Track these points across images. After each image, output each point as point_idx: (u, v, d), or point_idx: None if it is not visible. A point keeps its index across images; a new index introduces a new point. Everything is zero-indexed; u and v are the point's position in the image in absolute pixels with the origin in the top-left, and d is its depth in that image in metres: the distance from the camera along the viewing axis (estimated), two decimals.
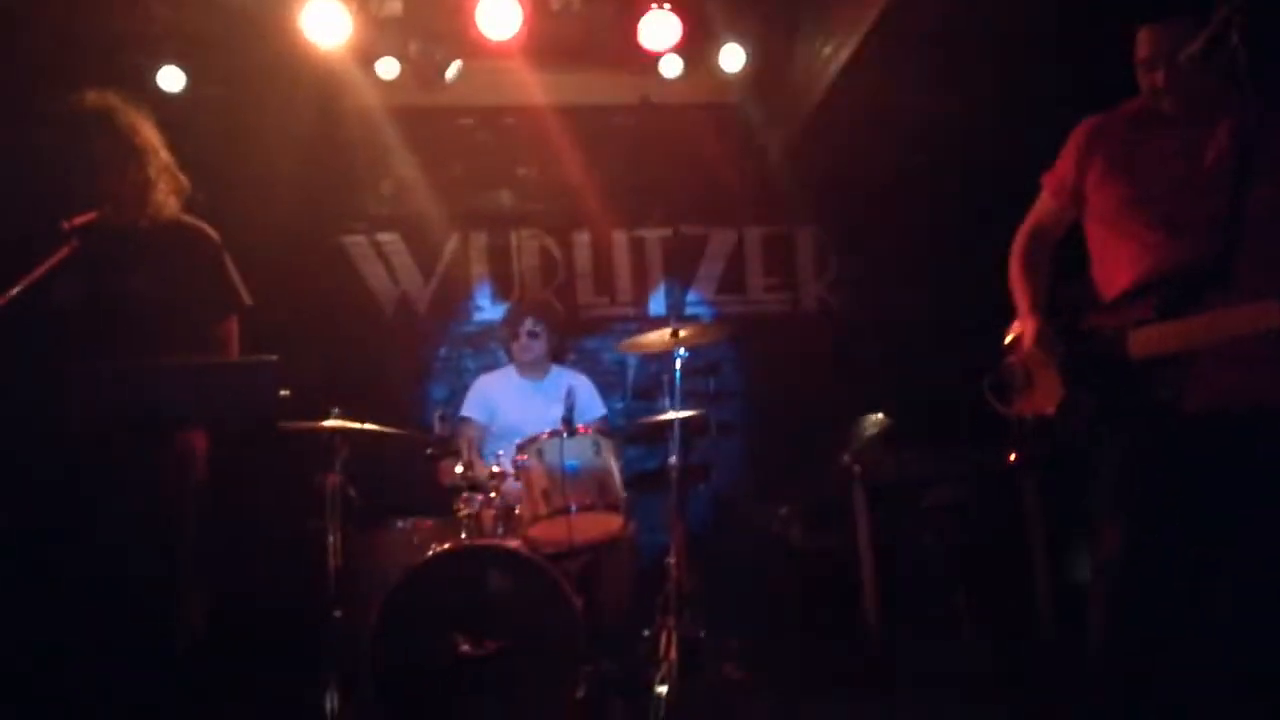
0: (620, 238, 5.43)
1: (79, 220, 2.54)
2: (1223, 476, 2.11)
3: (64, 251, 2.45)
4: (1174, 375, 2.11)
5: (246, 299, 2.80)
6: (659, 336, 3.86)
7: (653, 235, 5.45)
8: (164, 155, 2.72)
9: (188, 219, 2.77)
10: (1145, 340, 2.16)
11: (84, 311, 2.55)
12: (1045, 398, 2.32)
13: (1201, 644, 2.15)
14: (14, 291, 2.30)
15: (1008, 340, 2.51)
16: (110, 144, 2.62)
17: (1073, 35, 3.78)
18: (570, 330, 5.05)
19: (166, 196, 2.69)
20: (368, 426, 3.44)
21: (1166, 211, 2.24)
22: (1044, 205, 2.55)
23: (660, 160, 5.33)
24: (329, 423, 3.39)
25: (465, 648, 3.11)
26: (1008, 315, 2.53)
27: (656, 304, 5.40)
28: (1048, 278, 2.50)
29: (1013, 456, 2.62)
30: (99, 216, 2.58)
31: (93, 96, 2.65)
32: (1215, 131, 2.23)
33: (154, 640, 2.53)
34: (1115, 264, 2.33)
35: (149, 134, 2.70)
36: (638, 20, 4.60)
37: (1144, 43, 2.28)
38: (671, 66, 4.78)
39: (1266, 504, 2.09)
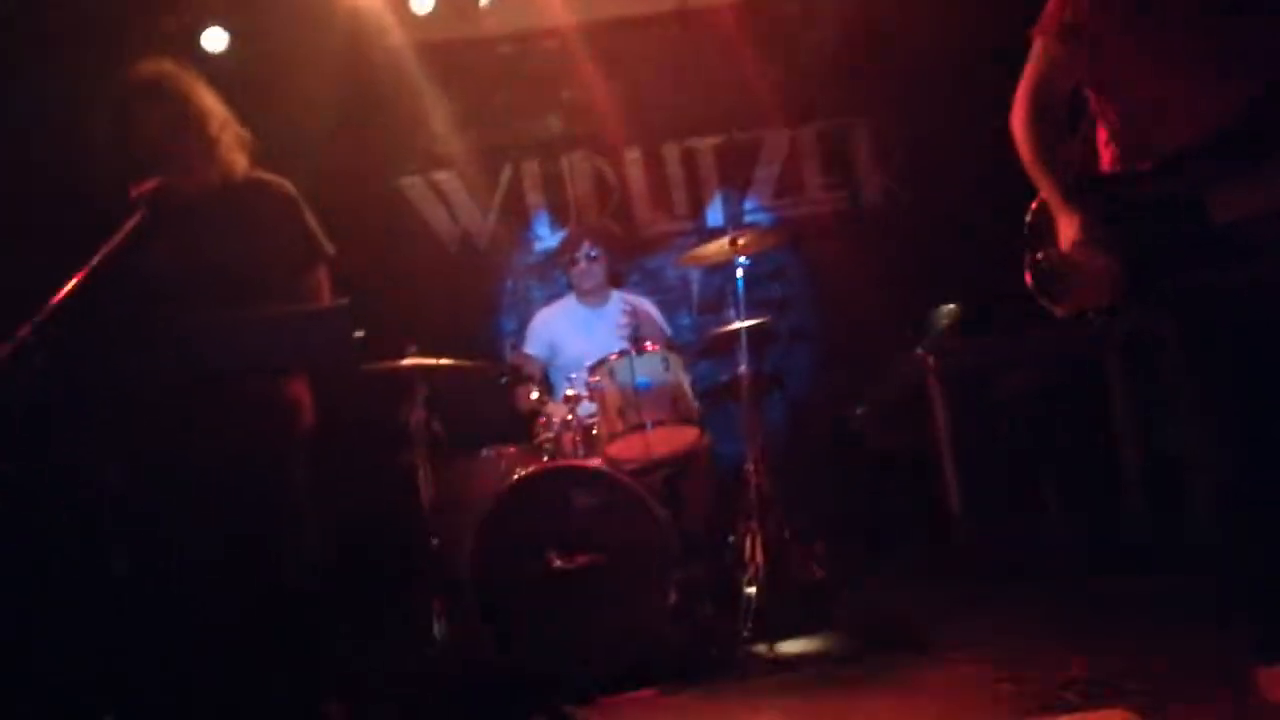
0: (671, 151, 5.37)
1: (145, 187, 2.61)
2: None
3: (135, 220, 2.51)
4: (1271, 235, 1.91)
5: (330, 248, 2.85)
6: (718, 247, 3.84)
7: (704, 144, 5.37)
8: (223, 114, 2.74)
9: (261, 174, 2.79)
10: (1231, 202, 1.94)
11: (173, 277, 2.60)
12: (1101, 285, 2.08)
13: None
14: (93, 262, 2.38)
15: (1030, 223, 2.28)
16: (168, 111, 2.63)
17: None
18: (630, 251, 5.06)
19: (234, 154, 2.71)
20: (443, 361, 3.53)
21: (1211, 48, 2.02)
22: (1050, 56, 2.22)
23: (704, 67, 5.21)
24: (407, 361, 3.49)
25: (558, 563, 3.22)
26: None
27: (714, 215, 5.35)
28: (1066, 150, 2.24)
29: (1091, 335, 2.53)
30: (164, 183, 2.64)
31: (144, 66, 2.68)
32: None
33: (269, 580, 2.65)
34: (1148, 116, 2.09)
35: (205, 96, 2.71)
36: None
37: None
38: None
39: None
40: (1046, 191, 2.21)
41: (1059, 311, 2.23)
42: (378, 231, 4.99)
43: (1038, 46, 2.24)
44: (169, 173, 2.64)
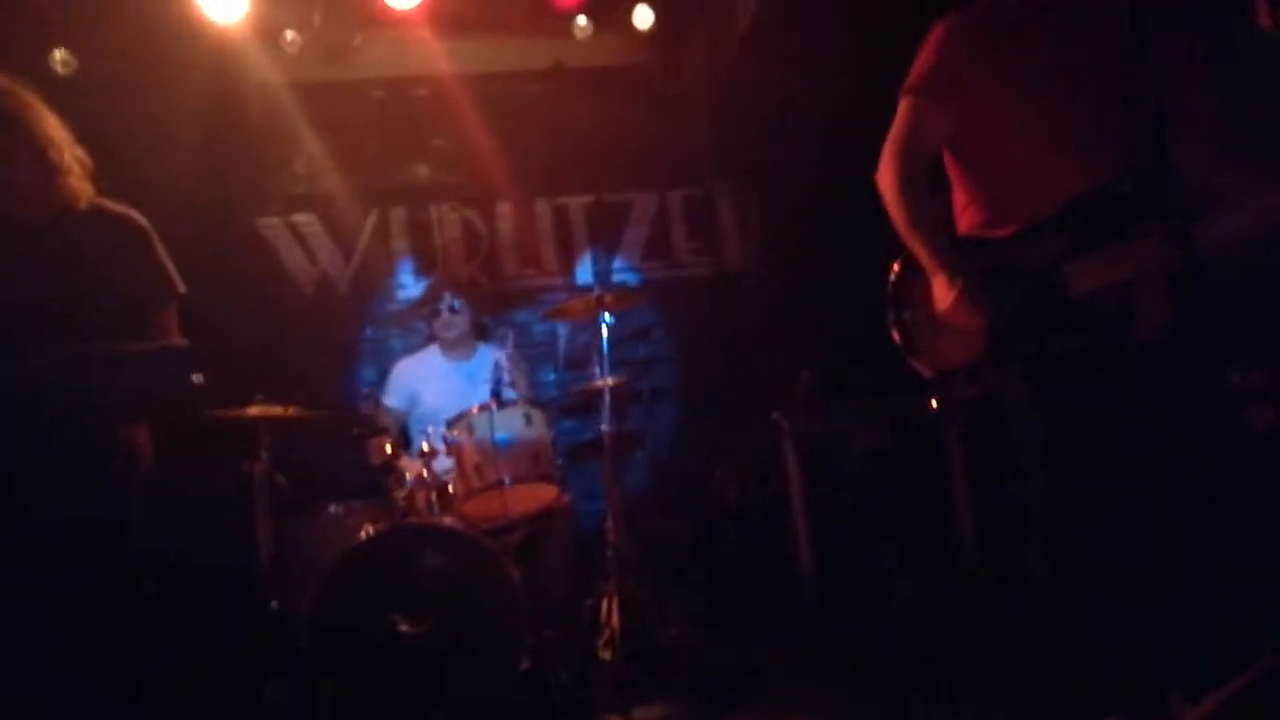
0: (543, 206, 5.38)
1: None
2: (1149, 406, 2.06)
3: None
4: (1118, 307, 2.01)
5: (180, 285, 2.70)
6: (585, 303, 3.86)
7: (575, 202, 5.41)
8: (64, 138, 2.57)
9: (111, 205, 2.63)
10: (1084, 273, 2.02)
11: (7, 308, 2.40)
12: (965, 345, 2.16)
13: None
14: None
15: (892, 285, 2.31)
16: (6, 134, 2.46)
17: None
18: (497, 304, 5.01)
19: (75, 181, 2.53)
20: (291, 410, 3.37)
21: (1069, 125, 2.10)
22: (918, 115, 2.23)
23: (578, 125, 5.28)
24: (251, 409, 3.32)
25: (404, 627, 3.09)
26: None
27: (583, 273, 5.37)
28: (939, 211, 2.27)
29: (934, 403, 2.63)
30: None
31: None
32: (1102, 42, 2.11)
33: (102, 635, 2.46)
34: (1011, 183, 2.17)
35: (44, 117, 2.54)
36: None
37: None
38: (583, 28, 4.72)
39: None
40: (920, 251, 2.20)
41: (925, 371, 2.28)
42: (232, 272, 4.77)
43: (905, 105, 2.26)
44: (6, 196, 2.47)
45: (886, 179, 2.27)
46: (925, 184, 2.25)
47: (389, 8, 4.39)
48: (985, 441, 3.90)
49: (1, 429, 2.37)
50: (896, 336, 2.32)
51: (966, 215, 2.30)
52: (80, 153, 2.60)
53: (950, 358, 2.23)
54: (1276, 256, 2.06)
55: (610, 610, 3.49)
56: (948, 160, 2.34)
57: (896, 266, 2.33)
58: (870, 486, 4.19)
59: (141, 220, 2.67)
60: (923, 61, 2.25)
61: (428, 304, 4.32)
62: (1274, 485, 2.10)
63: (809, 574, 3.99)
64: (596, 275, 5.28)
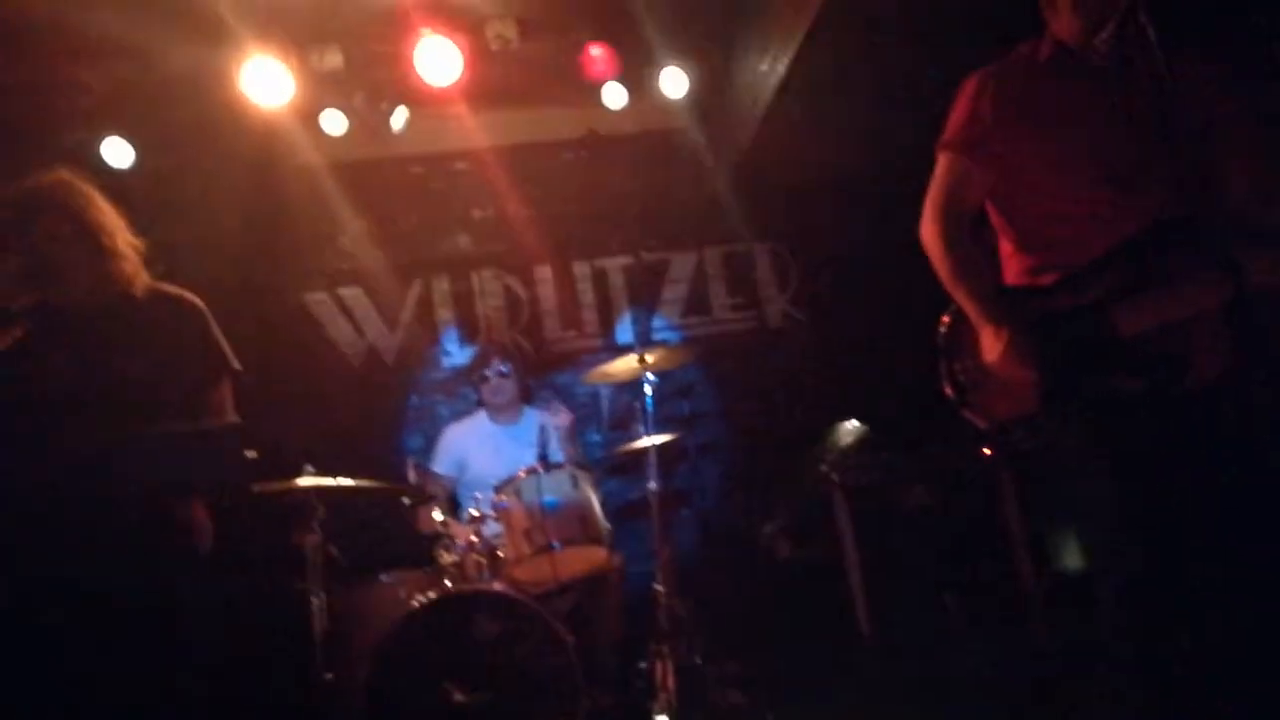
0: (582, 269, 5.45)
1: (25, 300, 2.51)
2: (1219, 452, 2.01)
3: (15, 333, 2.41)
4: (1173, 348, 1.97)
5: (235, 363, 2.78)
6: (626, 364, 3.87)
7: (614, 264, 5.48)
8: (118, 226, 2.67)
9: (168, 288, 2.73)
10: (1134, 314, 2.00)
11: (70, 390, 2.49)
12: (1018, 396, 2.12)
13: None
14: None
15: (943, 337, 2.30)
16: (60, 222, 2.57)
17: (1017, 22, 3.83)
18: (540, 368, 5.05)
19: (130, 267, 2.64)
20: (341, 482, 3.41)
21: (1111, 166, 2.09)
22: (957, 171, 2.24)
23: (614, 189, 5.38)
24: (302, 481, 3.36)
25: (459, 696, 3.07)
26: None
27: (623, 333, 5.41)
28: (985, 263, 2.25)
29: (987, 451, 2.58)
30: (54, 296, 2.55)
31: (37, 177, 2.62)
32: (1136, 83, 2.09)
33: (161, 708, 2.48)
34: (1055, 229, 2.16)
35: (100, 207, 2.66)
36: (577, 55, 4.66)
37: None
38: (615, 97, 4.83)
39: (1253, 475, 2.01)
40: (968, 304, 2.19)
41: (979, 423, 2.24)
42: (281, 347, 4.89)
43: (944, 161, 2.27)
44: (63, 283, 2.57)
45: (930, 234, 2.27)
46: (969, 236, 2.25)
47: (427, 85, 4.51)
48: (1043, 491, 3.81)
49: (65, 509, 2.44)
50: (949, 389, 2.29)
51: (1012, 264, 2.29)
52: (134, 238, 2.70)
53: (1004, 408, 2.20)
54: None
55: (665, 673, 3.43)
56: (991, 210, 2.33)
57: (946, 318, 2.32)
58: (926, 539, 4.10)
59: (196, 301, 2.75)
60: (956, 117, 2.27)
61: (475, 370, 4.36)
62: None
63: (867, 632, 3.89)
64: (637, 335, 5.32)
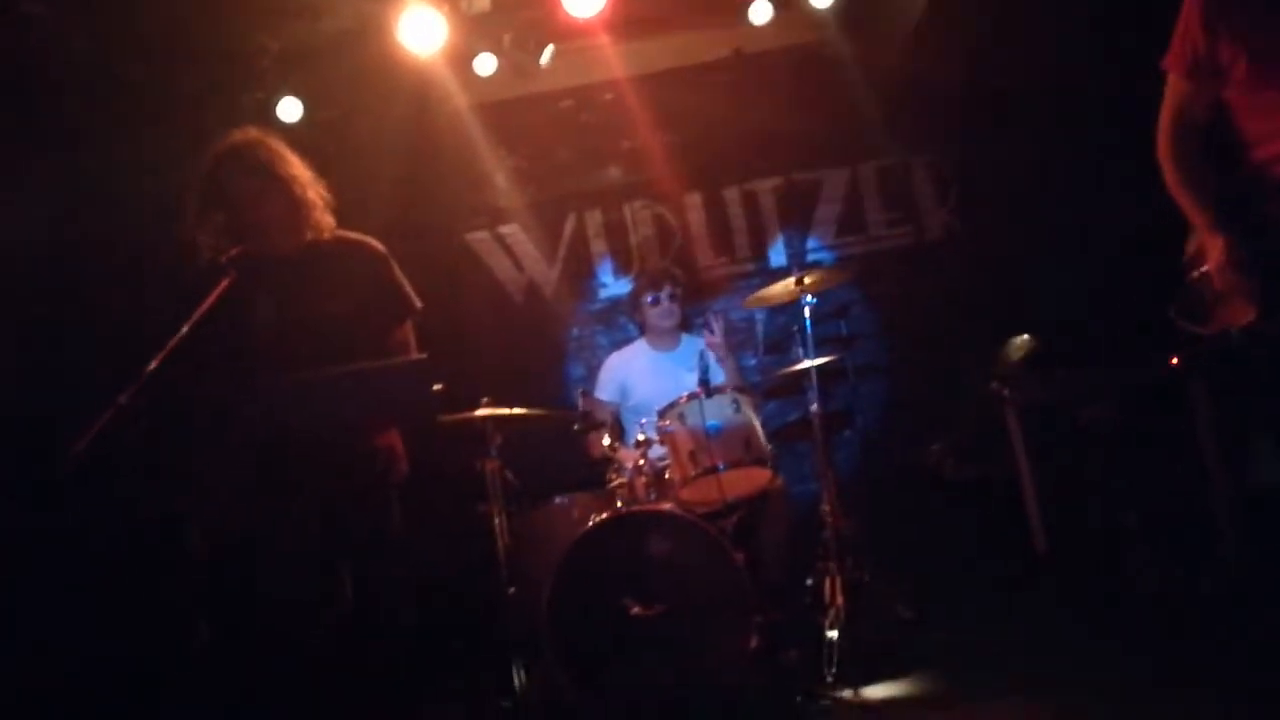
0: (732, 194, 5.42)
1: (232, 252, 2.74)
2: None
3: (224, 284, 2.63)
4: None
5: (417, 302, 2.95)
6: (783, 287, 3.85)
7: (764, 186, 5.41)
8: (308, 177, 2.84)
9: (353, 234, 2.91)
10: None
11: (276, 333, 2.71)
12: (1241, 307, 2.18)
13: None
14: (184, 329, 2.49)
15: (1189, 254, 2.33)
16: (256, 176, 2.75)
17: None
18: (694, 295, 5.09)
19: (321, 215, 2.81)
20: (516, 411, 3.58)
21: None
22: (1179, 91, 2.33)
23: (762, 110, 5.26)
24: (481, 411, 3.54)
25: (636, 610, 3.21)
26: (1147, 223, 2.39)
27: (777, 256, 5.37)
28: (1211, 174, 2.29)
29: (1175, 362, 2.52)
30: (251, 248, 2.76)
31: (231, 135, 2.81)
32: None
33: (369, 626, 2.72)
34: (1274, 136, 2.15)
35: (290, 160, 2.82)
36: None
37: None
38: (760, 12, 4.71)
39: None
40: (1195, 217, 2.28)
41: (1202, 331, 2.31)
42: (447, 286, 5.11)
43: (1169, 83, 2.34)
44: (260, 236, 2.77)
45: (1161, 149, 2.36)
46: (1198, 150, 2.31)
47: (572, 19, 4.54)
48: (1243, 403, 3.58)
49: (276, 444, 2.68)
50: (1176, 304, 2.35)
51: (1246, 158, 2.27)
52: (322, 189, 2.88)
53: (1232, 316, 2.23)
54: None
55: (834, 590, 3.48)
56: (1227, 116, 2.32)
57: (1191, 240, 2.36)
58: (1105, 456, 3.95)
59: (379, 246, 2.92)
60: (1177, 36, 2.29)
61: (642, 294, 4.40)
62: None
63: (1042, 549, 3.80)
64: (790, 257, 5.27)
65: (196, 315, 2.54)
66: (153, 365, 2.40)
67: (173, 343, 2.45)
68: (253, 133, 2.84)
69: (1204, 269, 2.24)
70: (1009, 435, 3.92)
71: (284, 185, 2.78)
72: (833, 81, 5.20)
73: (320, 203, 2.84)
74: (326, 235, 2.84)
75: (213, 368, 2.71)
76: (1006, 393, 3.93)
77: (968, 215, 5.28)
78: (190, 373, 2.58)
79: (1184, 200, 2.30)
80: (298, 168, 2.84)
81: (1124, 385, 3.91)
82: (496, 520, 3.51)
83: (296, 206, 2.78)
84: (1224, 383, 3.55)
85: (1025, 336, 4.12)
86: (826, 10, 4.76)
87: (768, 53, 5.21)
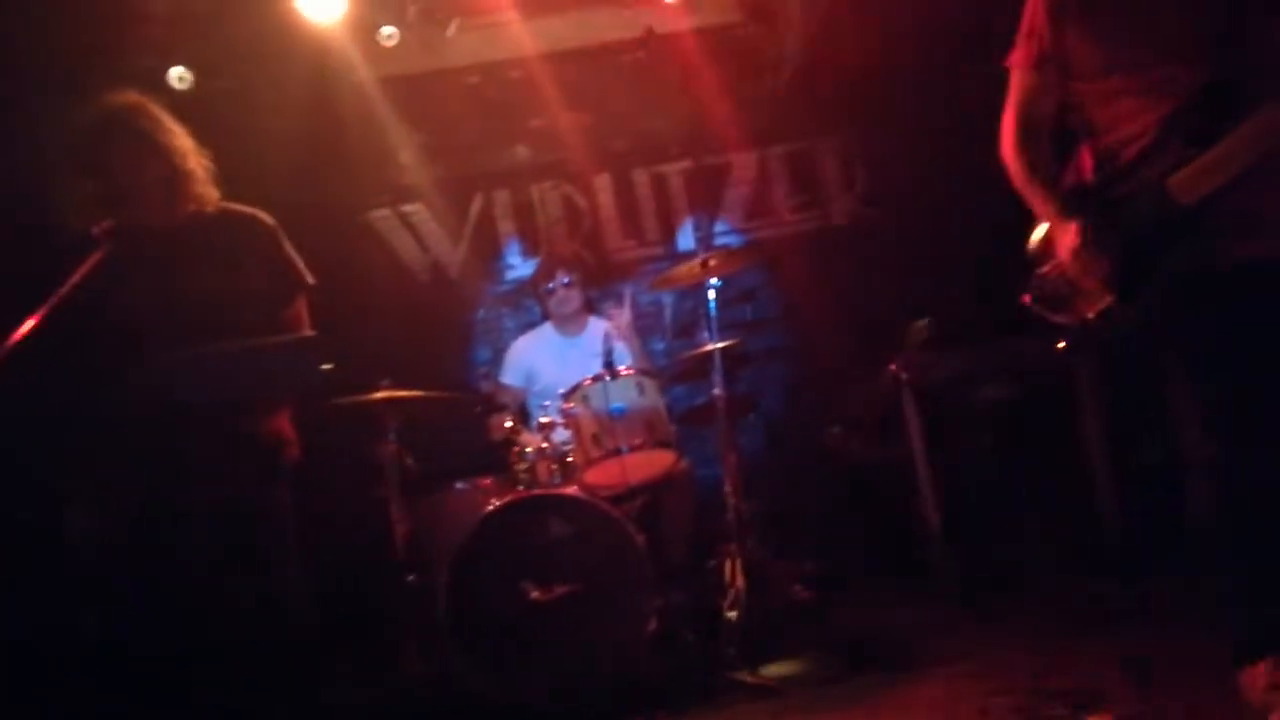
0: (641, 176, 5.38)
1: (106, 225, 2.59)
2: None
3: (96, 257, 2.49)
4: (1234, 213, 1.96)
5: (308, 278, 2.84)
6: (689, 270, 3.85)
7: (673, 169, 5.39)
8: (191, 147, 2.71)
9: (237, 207, 2.78)
10: (1189, 181, 1.98)
11: (153, 310, 2.59)
12: (1099, 293, 2.15)
13: None
14: (51, 301, 2.35)
15: (1034, 246, 2.34)
16: (135, 144, 2.62)
17: None
18: (601, 277, 5.05)
19: (203, 187, 2.69)
20: (415, 393, 3.50)
21: (1161, 43, 2.08)
22: (1025, 85, 2.32)
23: (672, 92, 5.23)
24: (378, 394, 3.46)
25: (535, 594, 3.19)
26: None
27: (685, 239, 5.36)
28: (1055, 165, 2.30)
29: (1061, 345, 2.56)
30: (127, 220, 2.62)
31: (111, 99, 2.67)
32: None
33: (258, 624, 2.62)
34: (1117, 116, 2.15)
35: (172, 128, 2.69)
36: None
37: None
38: None
39: None
40: (1041, 207, 2.27)
41: (1061, 321, 2.30)
42: (348, 265, 4.94)
43: (1013, 78, 2.33)
44: (136, 206, 2.63)
45: (1005, 147, 2.35)
46: (1044, 145, 2.31)
47: None
48: (1120, 383, 3.72)
49: (153, 426, 2.55)
50: (1028, 298, 2.34)
51: (1086, 163, 2.28)
52: (205, 159, 2.75)
53: (1089, 304, 2.21)
54: None
55: (734, 571, 3.50)
56: (1070, 116, 2.33)
57: (1035, 232, 2.36)
58: (998, 436, 4.07)
59: (268, 219, 2.80)
60: (1021, 33, 2.30)
61: (539, 282, 4.38)
62: None
63: (935, 530, 3.90)
64: (699, 240, 5.25)
65: (64, 290, 2.40)
66: (14, 339, 2.25)
67: (35, 316, 2.30)
68: (132, 96, 2.69)
69: (1055, 260, 2.24)
70: (906, 417, 3.99)
71: (164, 153, 2.65)
72: (742, 64, 5.20)
73: (203, 174, 2.72)
74: (209, 208, 2.72)
75: (86, 345, 2.57)
76: (904, 375, 4.01)
77: (872, 201, 5.36)
78: (59, 350, 2.44)
79: (1032, 193, 2.29)
80: (180, 136, 2.71)
81: (1018, 366, 4.03)
82: (394, 505, 3.44)
83: (176, 176, 2.65)
84: (1105, 366, 3.71)
85: (925, 319, 4.20)
86: None
87: (678, 34, 5.16)
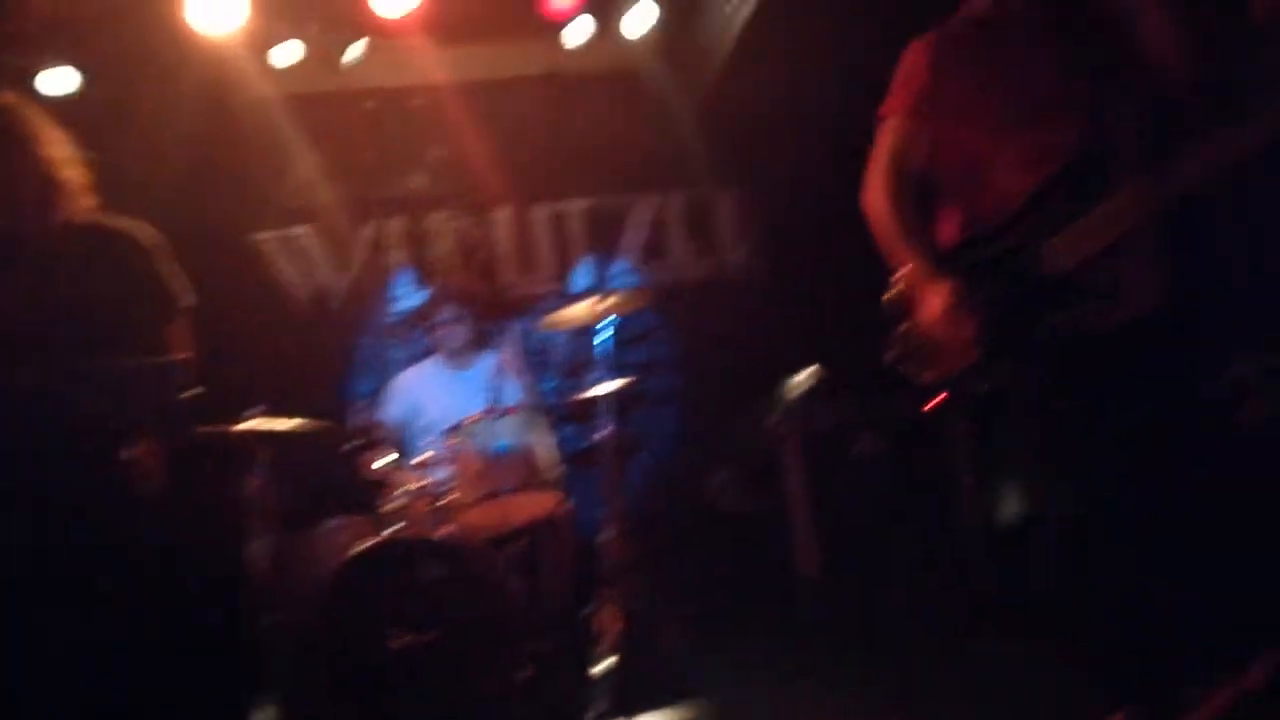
0: (540, 213, 5.36)
1: None
2: (1150, 390, 2.04)
3: None
4: (1105, 279, 2.00)
5: (185, 299, 2.68)
6: (584, 309, 3.82)
7: (573, 208, 5.38)
8: (66, 154, 2.57)
9: (116, 220, 2.63)
10: (1064, 248, 2.02)
11: (18, 323, 2.42)
12: (964, 348, 2.13)
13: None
14: None
15: (890, 300, 2.30)
16: (3, 149, 2.46)
17: None
18: (494, 312, 4.99)
19: (78, 198, 2.55)
20: (286, 424, 3.35)
21: (1037, 111, 2.12)
22: (900, 133, 2.28)
23: (576, 132, 5.26)
24: (245, 425, 3.30)
25: (404, 639, 3.08)
26: None
27: (581, 278, 5.35)
28: (924, 219, 2.28)
29: (935, 402, 2.58)
30: None
31: None
32: (1060, 27, 2.15)
33: (116, 661, 2.45)
34: (990, 180, 2.18)
35: (47, 136, 2.55)
36: None
37: None
38: (577, 33, 4.71)
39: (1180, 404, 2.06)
40: (910, 263, 2.23)
41: (925, 378, 2.27)
42: (228, 286, 4.70)
43: (887, 126, 2.32)
44: (4, 213, 2.48)
45: (872, 196, 2.32)
46: (911, 198, 2.28)
47: (383, 18, 4.37)
48: (989, 440, 3.84)
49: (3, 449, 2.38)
50: (894, 353, 2.31)
51: (950, 222, 2.30)
52: (80, 168, 2.61)
53: (950, 363, 2.20)
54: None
55: (611, 618, 3.45)
56: (937, 173, 2.34)
57: (894, 282, 2.33)
58: (876, 487, 4.14)
59: (142, 235, 2.66)
60: (897, 84, 2.31)
61: (428, 315, 4.30)
62: (1270, 484, 2.06)
63: (811, 576, 3.93)
64: (595, 280, 5.26)
65: None
66: None
67: None
68: (7, 97, 2.54)
69: (918, 318, 2.22)
70: (788, 466, 4.04)
71: (34, 160, 2.50)
72: (647, 109, 5.26)
73: (77, 184, 2.58)
74: (82, 220, 2.57)
75: None
76: (786, 424, 4.06)
77: (768, 250, 5.45)
78: None
79: (901, 247, 2.25)
80: (53, 143, 2.56)
81: (896, 419, 4.12)
82: (255, 543, 3.28)
83: (48, 186, 2.51)
84: (974, 423, 3.82)
85: (811, 369, 4.27)
86: (645, 38, 4.81)
87: (585, 74, 5.21)
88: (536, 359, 5.06)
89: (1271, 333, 2.44)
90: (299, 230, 5.09)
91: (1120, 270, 2.01)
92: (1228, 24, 2.05)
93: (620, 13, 4.75)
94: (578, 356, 5.11)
